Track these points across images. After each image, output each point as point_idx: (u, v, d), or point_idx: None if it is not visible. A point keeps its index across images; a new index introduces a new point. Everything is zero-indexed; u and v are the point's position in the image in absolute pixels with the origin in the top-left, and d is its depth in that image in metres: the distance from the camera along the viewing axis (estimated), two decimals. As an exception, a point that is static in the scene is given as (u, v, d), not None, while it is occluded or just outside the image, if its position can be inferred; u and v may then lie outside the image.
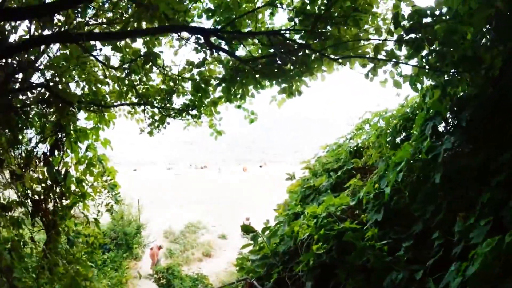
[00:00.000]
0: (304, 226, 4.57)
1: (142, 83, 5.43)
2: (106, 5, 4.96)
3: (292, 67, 4.39)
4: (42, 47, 4.74)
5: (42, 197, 5.24)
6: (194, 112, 5.72)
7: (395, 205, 4.23)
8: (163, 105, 5.70)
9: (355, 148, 6.60)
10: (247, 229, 4.97)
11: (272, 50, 4.30)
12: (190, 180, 48.78)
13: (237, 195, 41.16)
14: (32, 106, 5.12)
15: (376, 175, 4.85)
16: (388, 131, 5.41)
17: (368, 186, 4.64)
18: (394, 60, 3.98)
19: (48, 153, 5.29)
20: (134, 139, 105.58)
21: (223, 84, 4.82)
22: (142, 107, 5.78)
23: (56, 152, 5.36)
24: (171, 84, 5.40)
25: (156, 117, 5.93)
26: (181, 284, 14.29)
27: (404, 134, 5.26)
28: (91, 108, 5.43)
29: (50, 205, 5.37)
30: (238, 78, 4.68)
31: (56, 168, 5.29)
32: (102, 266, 15.75)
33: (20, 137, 5.18)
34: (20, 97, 4.89)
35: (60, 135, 5.31)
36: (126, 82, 5.31)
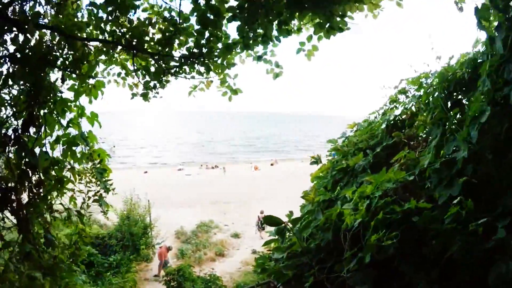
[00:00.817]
0: (347, 211, 3.39)
1: (131, 25, 4.18)
2: None
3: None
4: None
5: (12, 185, 4.12)
6: (201, 68, 4.47)
7: (472, 175, 3.06)
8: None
9: (392, 121, 5.38)
10: (271, 221, 3.67)
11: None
12: (201, 180, 47.98)
13: (249, 193, 40.28)
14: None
15: (431, 143, 3.70)
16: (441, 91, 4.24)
17: (429, 155, 3.47)
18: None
19: (20, 130, 4.16)
20: (144, 143, 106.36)
21: (239, 22, 3.59)
22: (134, 65, 4.55)
23: (32, 130, 4.25)
24: (170, 28, 4.18)
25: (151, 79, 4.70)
26: (193, 286, 13.16)
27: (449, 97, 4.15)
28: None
29: (25, 196, 4.27)
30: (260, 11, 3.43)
31: (31, 148, 4.15)
32: (105, 270, 14.89)
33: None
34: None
35: (36, 107, 4.18)
36: (109, 28, 4.16)
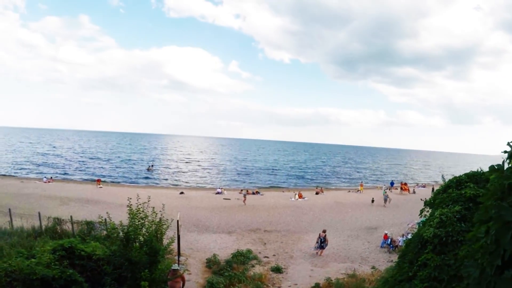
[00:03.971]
0: None
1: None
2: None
3: None
4: None
5: None
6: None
7: None
8: None
9: None
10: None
11: None
12: (239, 205, 44.35)
13: (293, 222, 36.31)
14: None
15: None
16: None
17: None
18: None
19: None
20: (183, 166, 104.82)
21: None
22: None
23: None
24: None
25: None
26: None
27: None
28: None
29: None
30: None
31: None
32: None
33: None
34: None
35: None
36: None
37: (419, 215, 11.62)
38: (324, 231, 26.48)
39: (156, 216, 13.89)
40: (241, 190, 57.00)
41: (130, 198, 13.61)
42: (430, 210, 11.34)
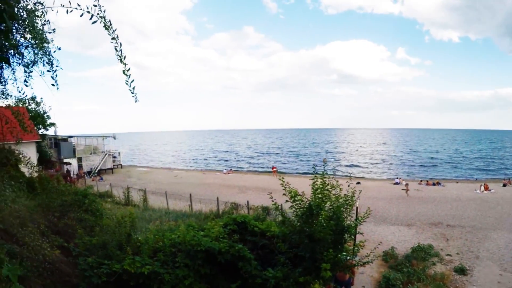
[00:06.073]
0: None
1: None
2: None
3: None
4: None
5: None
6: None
7: None
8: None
9: None
10: None
11: None
12: (420, 197, 41.52)
13: (479, 217, 32.40)
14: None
15: None
16: None
17: None
18: None
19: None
20: (357, 157, 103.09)
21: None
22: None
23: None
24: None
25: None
26: None
27: None
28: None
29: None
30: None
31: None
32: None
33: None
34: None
35: None
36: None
37: None
38: None
39: (340, 190, 11.58)
40: (421, 181, 53.42)
41: (315, 172, 11.81)
42: None
